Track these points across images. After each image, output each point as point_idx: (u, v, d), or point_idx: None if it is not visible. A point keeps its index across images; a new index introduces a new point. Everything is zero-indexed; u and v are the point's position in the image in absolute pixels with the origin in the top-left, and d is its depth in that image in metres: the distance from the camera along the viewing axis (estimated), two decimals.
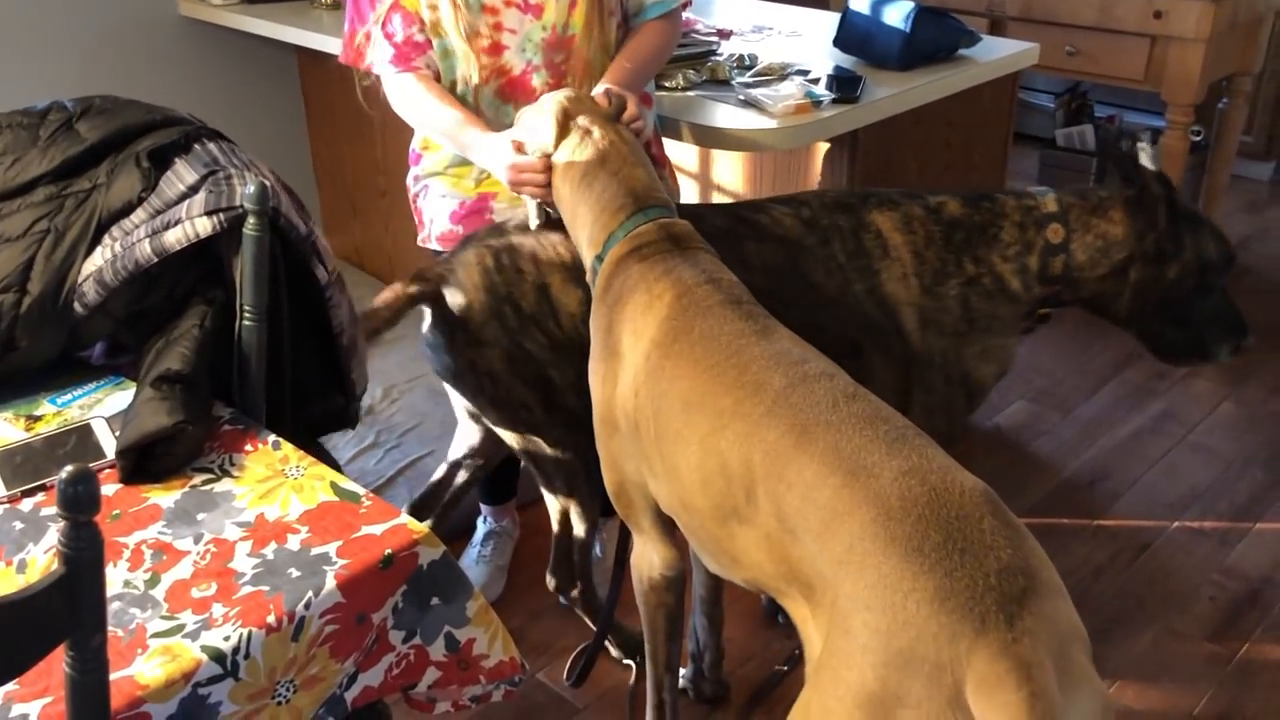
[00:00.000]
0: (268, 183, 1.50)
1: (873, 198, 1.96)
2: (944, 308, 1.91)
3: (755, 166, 2.61)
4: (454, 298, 1.86)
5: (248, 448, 1.50)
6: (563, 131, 1.75)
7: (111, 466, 1.45)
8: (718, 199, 2.72)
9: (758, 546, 1.40)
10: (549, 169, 1.76)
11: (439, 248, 2.11)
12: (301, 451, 1.49)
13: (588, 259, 1.75)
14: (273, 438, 1.52)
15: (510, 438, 1.97)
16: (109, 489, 1.42)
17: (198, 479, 1.44)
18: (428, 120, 1.99)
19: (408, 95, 1.98)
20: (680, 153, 2.64)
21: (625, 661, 2.26)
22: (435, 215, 2.11)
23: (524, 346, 1.86)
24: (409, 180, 2.17)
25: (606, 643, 2.25)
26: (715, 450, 1.43)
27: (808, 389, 1.40)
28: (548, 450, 1.95)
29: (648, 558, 1.77)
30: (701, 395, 1.47)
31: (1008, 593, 1.11)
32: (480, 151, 1.87)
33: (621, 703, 2.21)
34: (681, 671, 2.23)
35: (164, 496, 1.41)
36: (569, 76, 1.98)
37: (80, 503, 0.90)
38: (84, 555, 0.92)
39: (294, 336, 1.62)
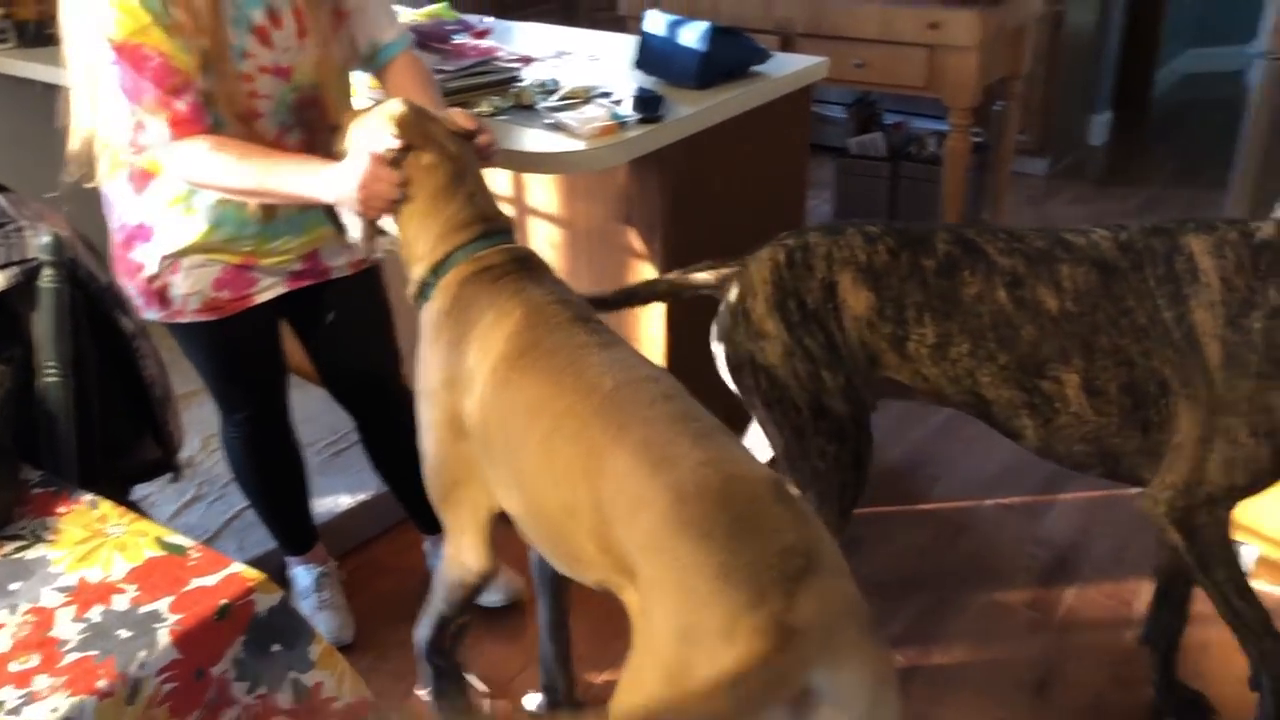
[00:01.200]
0: (62, 234, 1.44)
1: (1192, 222, 1.85)
2: (1249, 343, 1.75)
3: (567, 188, 2.64)
4: (743, 288, 1.95)
5: (61, 510, 1.43)
6: (408, 139, 1.75)
7: None
8: (532, 222, 2.75)
9: (589, 539, 1.47)
10: (402, 183, 1.75)
11: (203, 319, 2.03)
12: (122, 508, 1.43)
13: (419, 272, 1.78)
14: (89, 497, 1.45)
15: (776, 440, 2.00)
16: None
17: (8, 548, 1.37)
18: (235, 178, 1.83)
19: (205, 160, 1.80)
20: (491, 178, 2.65)
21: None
22: (195, 288, 2.00)
23: (803, 343, 1.91)
24: (139, 257, 1.99)
25: None
26: (551, 450, 1.51)
27: (631, 390, 1.49)
28: (808, 457, 1.97)
29: (463, 559, 1.83)
30: (542, 401, 1.55)
31: (788, 570, 1.22)
32: (323, 185, 1.78)
33: None
34: (536, 703, 2.24)
35: None
36: (320, 133, 1.97)
37: None
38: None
39: (103, 390, 1.55)
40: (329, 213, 1.91)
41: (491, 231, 1.78)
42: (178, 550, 1.36)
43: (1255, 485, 1.83)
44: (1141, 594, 2.53)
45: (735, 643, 1.18)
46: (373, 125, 1.79)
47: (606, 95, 2.52)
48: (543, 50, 2.96)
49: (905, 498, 2.93)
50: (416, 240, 1.79)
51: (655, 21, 2.69)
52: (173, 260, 1.97)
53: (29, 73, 3.08)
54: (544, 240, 2.74)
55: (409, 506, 2.48)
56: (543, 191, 2.70)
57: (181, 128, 1.78)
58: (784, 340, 1.92)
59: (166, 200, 1.95)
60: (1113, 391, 1.81)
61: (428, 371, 1.77)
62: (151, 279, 1.99)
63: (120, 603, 1.28)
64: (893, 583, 2.62)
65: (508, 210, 2.76)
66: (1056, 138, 5.12)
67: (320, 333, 2.23)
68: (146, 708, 1.20)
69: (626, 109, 2.41)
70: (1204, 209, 4.73)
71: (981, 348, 1.87)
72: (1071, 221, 4.68)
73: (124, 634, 1.23)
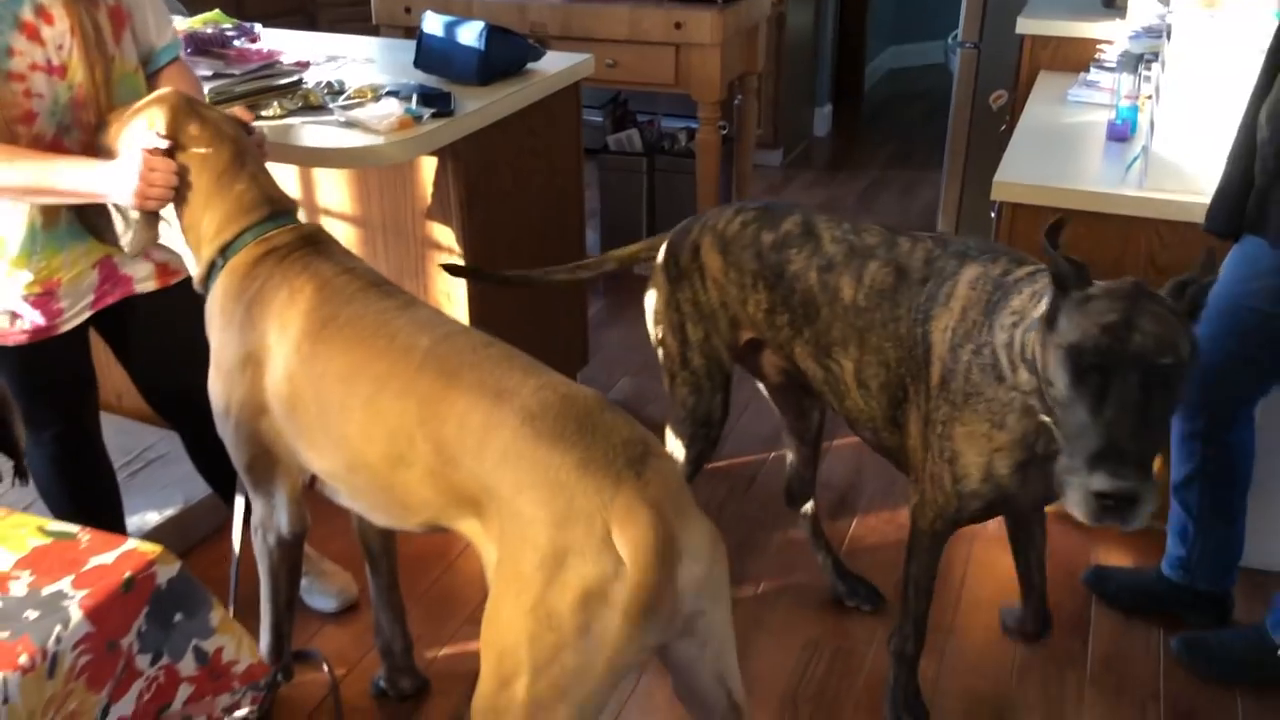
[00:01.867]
0: None
1: (994, 253, 1.95)
2: (955, 371, 1.86)
3: (362, 185, 2.71)
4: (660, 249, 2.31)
5: None
6: (181, 126, 1.81)
7: None
8: (325, 221, 2.79)
9: (422, 484, 1.63)
10: (179, 170, 1.79)
11: (10, 344, 2.01)
12: None
13: (205, 256, 1.87)
14: None
15: (665, 379, 2.34)
16: None
17: None
18: (5, 178, 1.82)
19: None
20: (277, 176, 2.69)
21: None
22: (14, 309, 1.99)
23: (675, 296, 2.25)
24: None
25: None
26: (378, 409, 1.65)
27: (451, 343, 1.67)
28: (673, 404, 2.34)
29: (276, 520, 1.95)
30: (358, 367, 1.68)
31: (631, 456, 1.46)
32: (100, 180, 1.81)
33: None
34: (377, 674, 2.31)
35: None
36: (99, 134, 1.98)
37: None
38: None
39: None
40: (88, 223, 1.93)
41: (278, 212, 1.89)
42: (66, 535, 1.38)
43: (953, 506, 1.95)
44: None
45: (611, 518, 1.40)
46: (142, 118, 1.84)
47: (394, 94, 2.61)
48: (316, 55, 3.01)
49: None
50: (201, 224, 1.87)
51: (433, 22, 2.80)
52: None
53: None
54: (339, 238, 2.79)
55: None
56: (334, 190, 2.76)
57: None
58: (665, 292, 2.27)
59: None
60: (874, 388, 2.05)
61: (223, 353, 1.86)
62: None
63: (18, 589, 1.29)
64: None
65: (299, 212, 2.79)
66: (786, 131, 5.54)
67: (134, 350, 2.21)
68: (65, 681, 1.23)
69: (415, 105, 2.51)
70: (920, 189, 5.27)
71: (795, 320, 2.11)
72: (809, 203, 5.10)
73: (32, 614, 1.25)
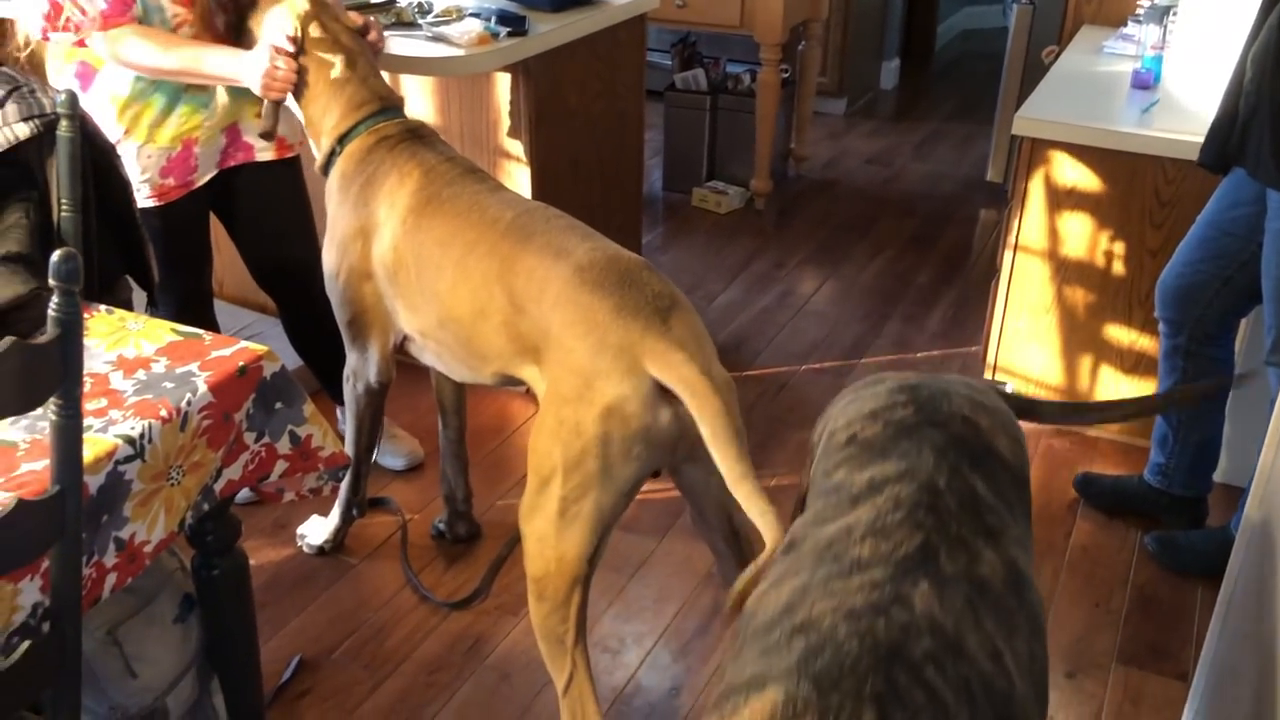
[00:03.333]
0: (76, 92, 1.77)
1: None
2: None
3: (444, 96, 3.03)
4: None
5: (85, 316, 1.77)
6: (304, 30, 2.15)
7: None
8: None
9: (497, 333, 1.95)
10: (298, 70, 2.14)
11: (153, 204, 2.35)
12: (134, 313, 1.79)
13: (325, 146, 2.22)
14: (104, 307, 1.80)
15: None
16: None
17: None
18: (163, 62, 2.21)
19: (135, 45, 2.18)
20: None
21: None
22: (145, 175, 2.32)
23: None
24: None
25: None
26: (466, 268, 1.97)
27: (528, 216, 1.99)
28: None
29: (366, 371, 2.30)
30: (452, 234, 2.01)
31: (660, 307, 1.76)
32: (236, 68, 2.18)
33: (386, 556, 2.62)
34: (437, 518, 2.66)
35: None
36: (244, 9, 2.28)
37: (70, 275, 1.22)
38: (71, 318, 1.23)
39: (99, 228, 1.89)
40: None
41: (387, 107, 2.23)
42: (194, 336, 1.73)
43: None
44: None
45: (643, 354, 1.70)
46: (276, 18, 2.18)
47: (476, 14, 2.92)
48: None
49: (737, 365, 3.46)
50: (321, 118, 2.21)
51: None
52: (125, 145, 2.28)
53: None
54: None
55: (323, 379, 2.82)
56: (419, 101, 3.08)
57: (110, 19, 2.14)
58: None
59: (109, 96, 2.27)
60: None
61: (337, 226, 2.20)
62: None
63: (158, 368, 1.64)
64: None
65: None
66: (852, 81, 5.75)
67: (244, 221, 2.55)
68: (191, 437, 1.58)
69: (495, 24, 2.82)
70: (976, 141, 5.46)
71: None
72: (866, 151, 5.33)
73: (168, 385, 1.60)
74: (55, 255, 1.21)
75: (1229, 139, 2.35)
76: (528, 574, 1.87)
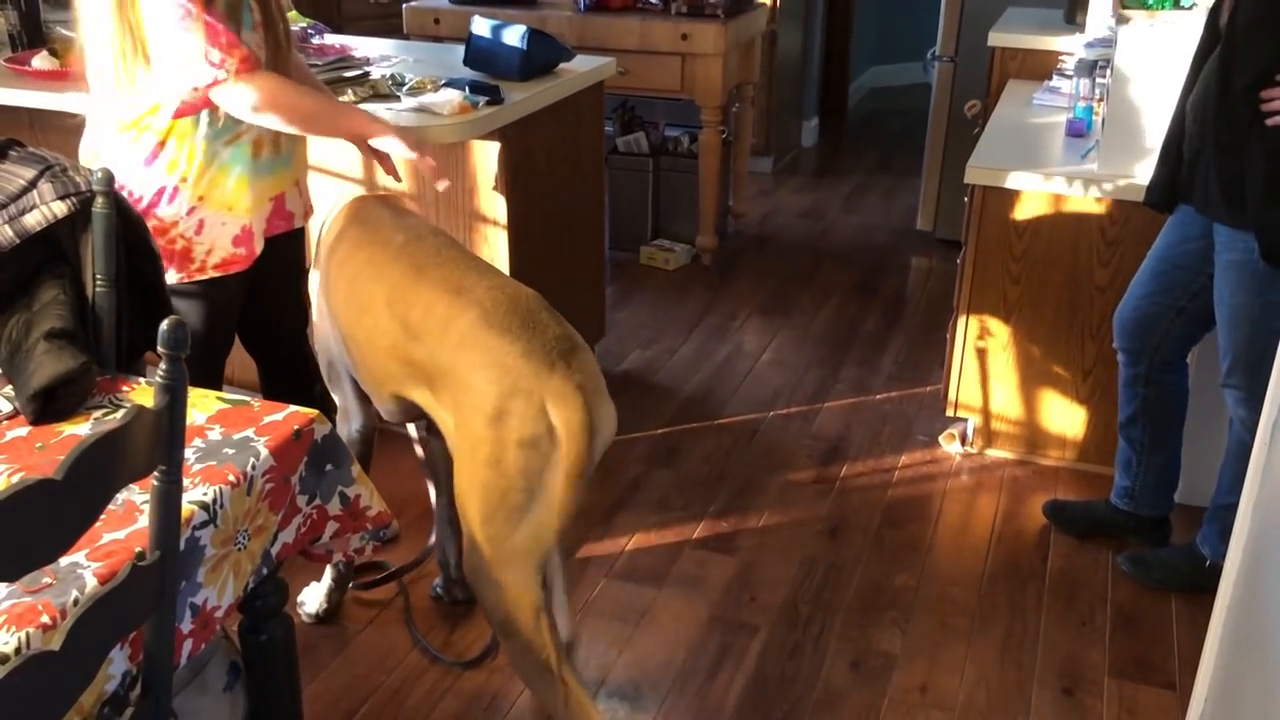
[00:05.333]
0: (111, 170, 1.80)
1: None
2: None
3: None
4: None
5: (125, 388, 1.79)
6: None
7: (11, 416, 1.68)
8: None
9: (389, 357, 2.06)
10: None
11: (217, 275, 2.34)
12: None
13: None
14: (143, 380, 1.82)
15: None
16: (19, 431, 1.66)
17: (98, 413, 1.72)
18: (315, 112, 2.25)
19: (279, 92, 2.17)
20: (342, 161, 3.08)
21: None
22: (214, 243, 2.31)
23: None
24: (165, 216, 2.25)
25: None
26: (357, 288, 2.12)
27: (420, 244, 2.13)
28: None
29: (348, 420, 2.41)
30: (347, 255, 2.19)
31: (563, 349, 1.88)
32: (384, 130, 2.30)
33: (388, 621, 2.63)
34: (436, 581, 2.68)
35: (77, 427, 1.68)
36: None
37: (178, 343, 1.25)
38: (178, 385, 1.27)
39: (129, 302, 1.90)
40: None
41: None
42: (241, 403, 1.75)
43: None
44: (894, 465, 3.27)
45: (547, 396, 1.81)
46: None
47: (450, 84, 3.01)
48: (372, 55, 3.40)
49: (706, 416, 3.55)
50: None
51: (480, 25, 3.20)
52: (199, 216, 2.26)
53: None
54: None
55: None
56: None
57: (247, 63, 2.13)
58: None
59: (167, 167, 2.23)
60: None
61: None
62: (179, 235, 2.28)
63: (214, 435, 1.66)
64: (709, 475, 3.22)
65: (358, 189, 3.18)
66: (777, 140, 5.96)
67: (266, 287, 2.51)
68: (256, 500, 1.60)
69: (473, 95, 2.91)
70: (899, 193, 5.70)
71: None
72: (798, 206, 5.53)
73: (229, 451, 1.62)
74: (164, 324, 1.25)
75: (1174, 181, 2.54)
76: (491, 624, 1.98)
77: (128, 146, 2.22)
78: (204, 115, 2.22)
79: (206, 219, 2.29)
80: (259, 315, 2.57)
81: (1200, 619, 2.39)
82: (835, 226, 5.29)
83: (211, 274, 2.33)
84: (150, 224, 2.13)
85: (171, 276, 2.26)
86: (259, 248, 2.39)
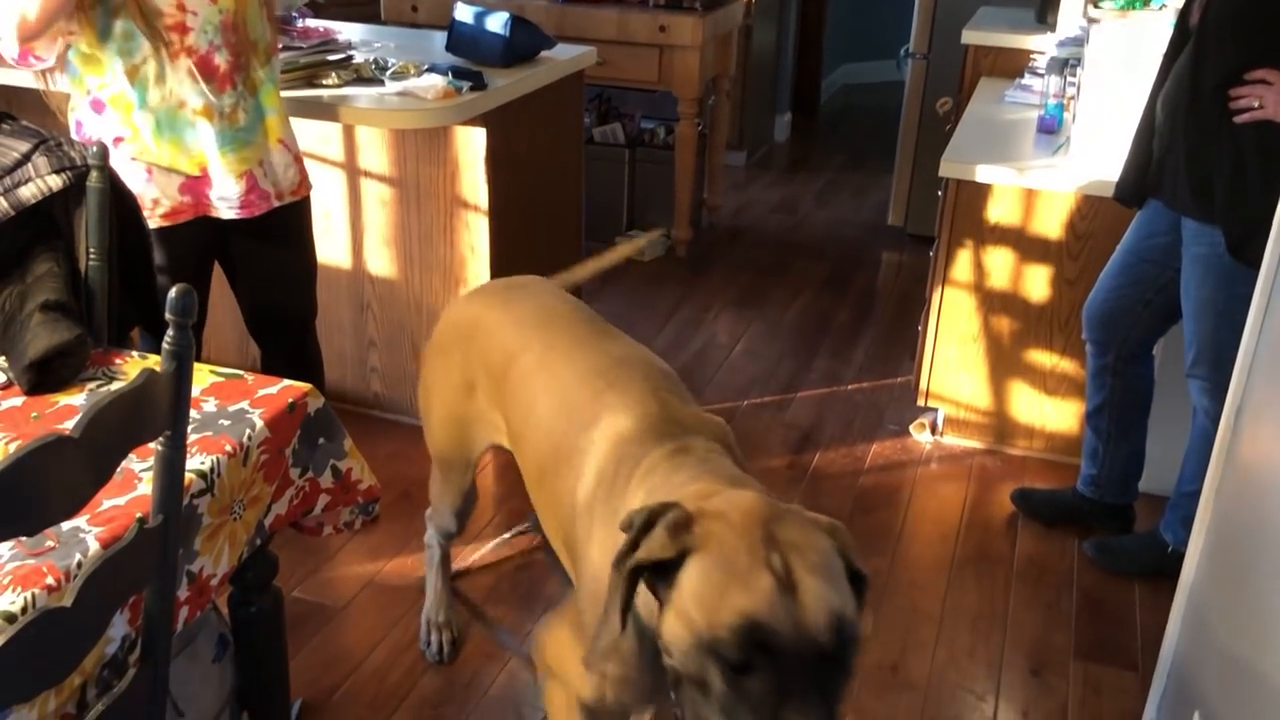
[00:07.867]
0: (106, 144, 1.81)
1: None
2: None
3: (399, 150, 3.11)
4: None
5: (118, 361, 1.80)
6: None
7: (5, 386, 1.69)
8: (365, 182, 3.18)
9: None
10: None
11: (166, 224, 2.34)
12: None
13: None
14: (136, 352, 1.83)
15: None
16: (14, 401, 1.67)
17: (92, 384, 1.73)
18: None
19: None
20: (324, 145, 3.09)
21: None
22: (163, 193, 2.31)
23: None
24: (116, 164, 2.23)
25: None
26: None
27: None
28: None
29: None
30: None
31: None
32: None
33: (367, 601, 2.65)
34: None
35: (72, 398, 1.69)
36: (243, 55, 2.32)
37: (185, 310, 1.27)
38: (185, 351, 1.29)
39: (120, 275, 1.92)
40: None
41: None
42: (235, 376, 1.77)
43: None
44: (865, 453, 3.33)
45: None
46: None
47: (432, 70, 3.03)
48: (354, 39, 3.41)
49: None
50: None
51: (463, 12, 3.22)
52: (137, 166, 2.26)
53: None
54: (375, 199, 3.19)
55: None
56: (374, 155, 3.16)
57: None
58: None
59: (119, 120, 2.26)
60: None
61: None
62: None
63: (209, 407, 1.68)
64: None
65: (340, 173, 3.19)
66: (750, 134, 6.02)
67: (251, 268, 2.53)
68: (252, 471, 1.63)
69: (456, 80, 2.93)
70: (871, 190, 5.77)
71: None
72: (770, 200, 5.58)
73: (225, 422, 1.64)
74: (172, 291, 1.27)
75: (1143, 177, 2.61)
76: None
77: (82, 100, 2.29)
78: (138, 88, 2.24)
79: (154, 166, 2.29)
80: (260, 297, 2.57)
81: (1162, 603, 2.46)
82: (807, 221, 5.35)
83: (157, 223, 2.31)
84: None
85: None
86: (215, 210, 2.37)
